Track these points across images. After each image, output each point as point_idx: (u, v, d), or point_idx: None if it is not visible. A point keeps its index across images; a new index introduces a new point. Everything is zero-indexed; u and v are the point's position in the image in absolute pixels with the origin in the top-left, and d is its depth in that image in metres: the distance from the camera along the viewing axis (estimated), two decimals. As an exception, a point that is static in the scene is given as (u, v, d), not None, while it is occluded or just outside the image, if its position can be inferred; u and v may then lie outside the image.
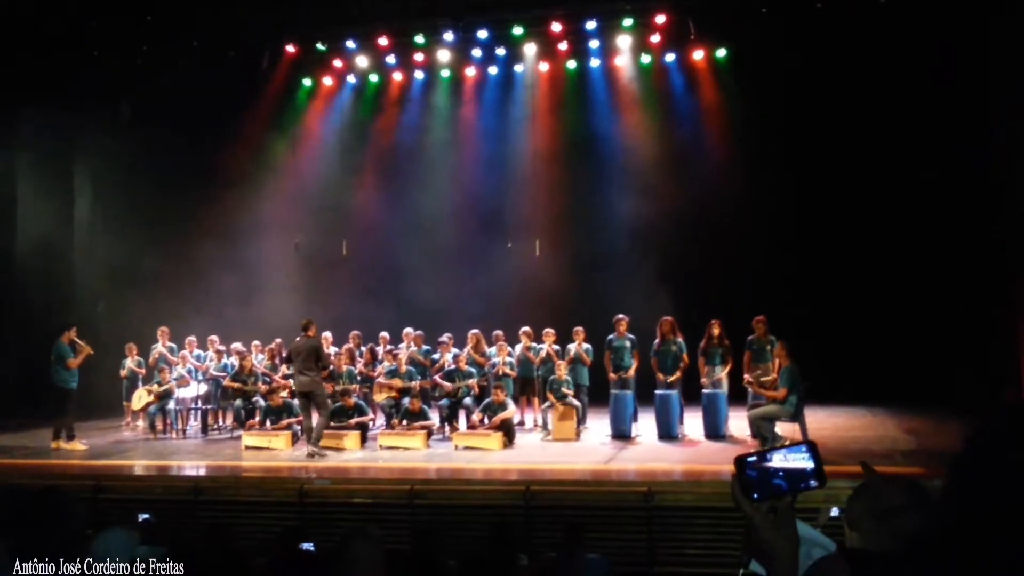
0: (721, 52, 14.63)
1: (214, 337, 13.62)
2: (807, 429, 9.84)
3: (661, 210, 14.02)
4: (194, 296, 14.70)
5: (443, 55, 15.38)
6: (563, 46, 15.11)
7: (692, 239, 14.13)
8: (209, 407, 13.16)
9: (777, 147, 13.54)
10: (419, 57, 15.62)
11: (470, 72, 15.97)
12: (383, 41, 15.13)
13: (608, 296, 13.38)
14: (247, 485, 9.12)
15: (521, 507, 7.96)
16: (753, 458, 1.62)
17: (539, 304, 14.02)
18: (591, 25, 14.57)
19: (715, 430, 10.89)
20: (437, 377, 12.13)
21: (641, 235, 14.21)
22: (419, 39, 15.10)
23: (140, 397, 12.79)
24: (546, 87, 15.85)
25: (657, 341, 11.49)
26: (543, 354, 12.09)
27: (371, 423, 11.82)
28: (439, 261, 15.27)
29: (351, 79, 16.51)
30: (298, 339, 10.86)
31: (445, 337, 12.55)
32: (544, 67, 15.68)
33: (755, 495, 1.60)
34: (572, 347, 11.93)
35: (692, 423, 11.28)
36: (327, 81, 16.60)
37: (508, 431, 10.89)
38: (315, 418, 10.65)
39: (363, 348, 13.13)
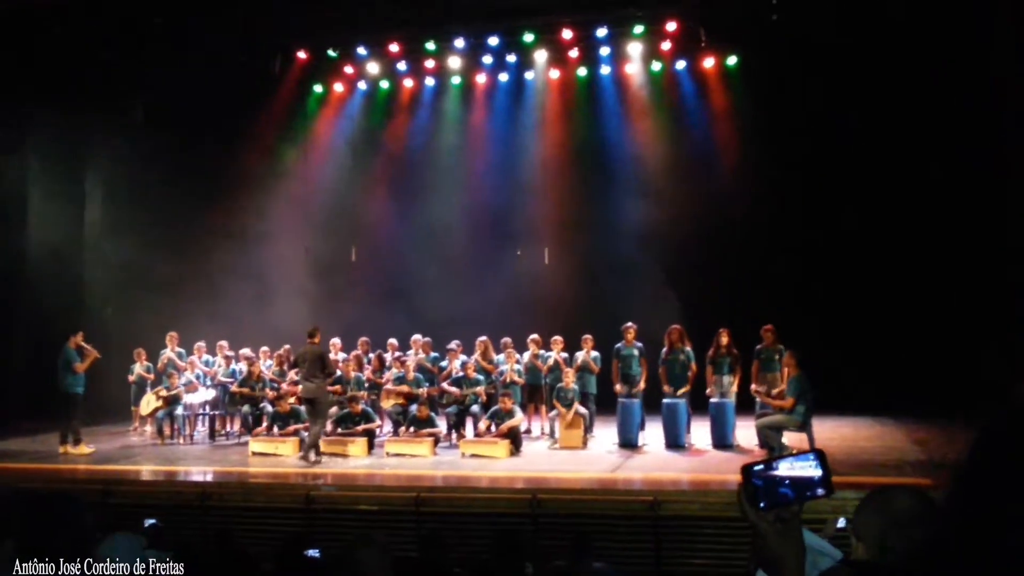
0: (732, 59, 14.64)
1: (223, 342, 13.63)
2: (814, 439, 9.78)
3: (670, 218, 14.03)
4: (204, 301, 14.68)
5: (454, 62, 15.43)
6: (574, 53, 15.14)
7: (701, 247, 14.09)
8: (217, 413, 13.16)
9: (787, 155, 13.49)
10: (430, 64, 15.68)
11: (481, 79, 16.01)
12: (394, 48, 15.22)
13: (617, 304, 13.36)
14: (254, 491, 9.13)
15: (528, 515, 7.95)
16: (759, 467, 1.60)
17: (548, 311, 14.03)
18: (602, 32, 14.61)
19: (722, 439, 10.84)
20: (445, 384, 12.12)
21: (650, 243, 14.17)
22: (430, 46, 15.18)
23: (148, 402, 12.80)
24: (556, 94, 15.86)
25: (665, 350, 11.44)
26: (551, 362, 12.07)
27: (378, 430, 11.81)
28: (448, 267, 15.27)
29: (362, 85, 16.58)
30: (304, 346, 10.90)
31: (453, 344, 12.54)
32: (555, 74, 15.69)
33: (762, 504, 1.58)
34: (580, 355, 11.90)
35: (699, 432, 11.24)
36: (338, 87, 16.68)
37: (515, 439, 10.86)
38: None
39: (371, 355, 13.13)
